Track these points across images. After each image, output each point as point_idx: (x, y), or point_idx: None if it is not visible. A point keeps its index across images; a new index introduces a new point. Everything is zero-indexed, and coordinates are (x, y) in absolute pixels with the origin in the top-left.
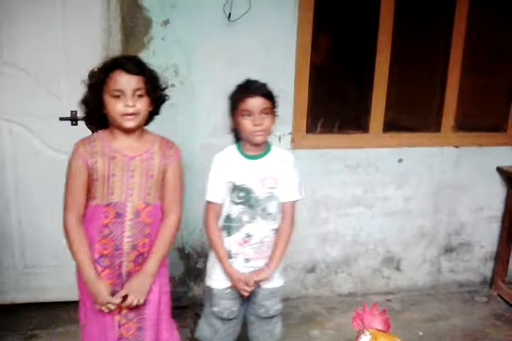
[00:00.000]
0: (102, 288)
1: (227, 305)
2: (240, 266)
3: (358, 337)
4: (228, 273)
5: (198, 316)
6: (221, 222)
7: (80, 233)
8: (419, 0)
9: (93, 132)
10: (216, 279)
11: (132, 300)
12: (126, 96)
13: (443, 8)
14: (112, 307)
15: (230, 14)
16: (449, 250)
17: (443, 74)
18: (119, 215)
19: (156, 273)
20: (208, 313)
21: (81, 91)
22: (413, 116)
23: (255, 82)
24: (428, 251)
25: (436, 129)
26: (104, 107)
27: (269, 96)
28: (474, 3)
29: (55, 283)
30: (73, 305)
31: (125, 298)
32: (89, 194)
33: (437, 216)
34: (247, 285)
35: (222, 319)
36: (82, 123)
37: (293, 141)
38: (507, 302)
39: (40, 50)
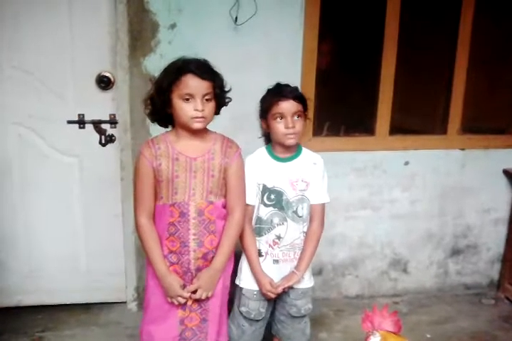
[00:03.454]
0: (173, 282)
1: (255, 306)
2: (268, 267)
3: (366, 338)
4: (257, 279)
5: None
6: (252, 224)
7: (151, 231)
8: (425, 4)
9: (101, 136)
10: (246, 280)
11: (201, 294)
12: (195, 100)
13: (449, 12)
14: (182, 300)
15: (236, 18)
16: (456, 252)
17: (449, 77)
18: (183, 214)
19: (223, 269)
20: (236, 313)
21: (89, 94)
22: (419, 118)
23: (287, 85)
24: (435, 254)
25: (443, 132)
26: (170, 107)
27: (301, 99)
28: (480, 6)
29: (61, 286)
30: (80, 307)
31: (194, 292)
32: (155, 194)
33: (444, 218)
34: (275, 291)
35: (250, 319)
36: (89, 126)
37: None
38: None
39: (48, 53)
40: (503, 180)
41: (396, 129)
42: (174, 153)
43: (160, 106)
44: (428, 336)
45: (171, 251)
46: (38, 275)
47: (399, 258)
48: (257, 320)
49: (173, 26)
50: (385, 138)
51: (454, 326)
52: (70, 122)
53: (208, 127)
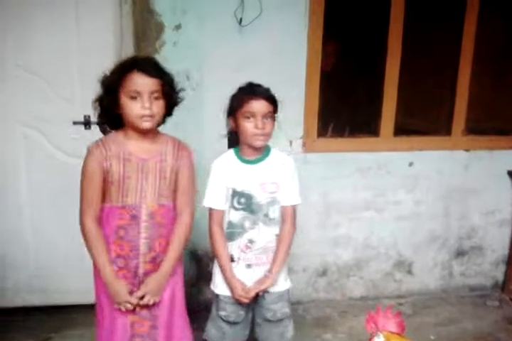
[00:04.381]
0: (120, 288)
1: (233, 309)
2: (241, 272)
3: (370, 339)
4: (229, 285)
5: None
6: (223, 229)
7: (97, 234)
8: (429, 4)
9: (105, 134)
10: (220, 286)
11: (149, 300)
12: (143, 98)
13: (453, 13)
14: (130, 306)
15: (241, 19)
16: (460, 254)
17: (453, 78)
18: (134, 217)
19: (171, 273)
20: (215, 316)
21: (94, 95)
22: (423, 120)
23: (259, 85)
24: (439, 255)
25: (447, 133)
26: (118, 107)
27: (272, 100)
28: (484, 7)
29: (69, 286)
30: (86, 308)
31: (142, 297)
32: (103, 196)
33: (448, 219)
34: (247, 295)
35: (229, 322)
36: (95, 127)
37: (304, 145)
38: None
39: (54, 54)
40: (508, 182)
41: (400, 130)
42: (125, 154)
43: (108, 107)
44: (432, 337)
45: (118, 255)
46: (45, 275)
47: (403, 259)
48: (237, 323)
49: (178, 27)
50: (389, 139)
51: (458, 327)
52: (75, 123)
53: (212, 124)
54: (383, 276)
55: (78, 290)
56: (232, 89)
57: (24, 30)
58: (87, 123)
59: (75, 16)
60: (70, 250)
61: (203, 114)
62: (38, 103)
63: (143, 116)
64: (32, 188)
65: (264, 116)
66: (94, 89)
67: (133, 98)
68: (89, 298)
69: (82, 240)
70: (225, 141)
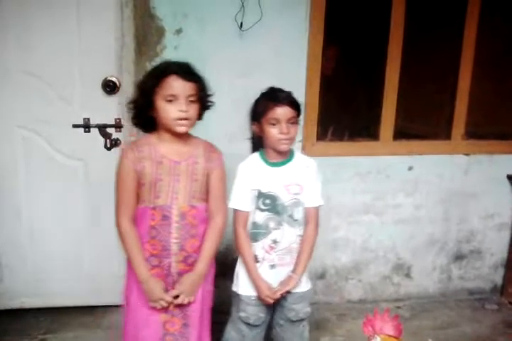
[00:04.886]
0: (155, 285)
1: (254, 311)
2: (265, 272)
3: None
4: (255, 285)
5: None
6: (248, 229)
7: (133, 234)
8: (429, 9)
9: (106, 139)
10: (243, 286)
11: (183, 299)
12: (179, 102)
13: (453, 17)
14: (165, 304)
15: (241, 23)
16: (459, 257)
17: (453, 82)
18: (165, 218)
19: (205, 273)
20: (235, 318)
21: (94, 98)
22: (423, 124)
23: (282, 90)
24: (438, 259)
25: (447, 137)
26: (153, 110)
27: (296, 105)
28: (485, 11)
29: (65, 289)
30: (83, 310)
31: (176, 297)
32: (137, 197)
33: (447, 223)
34: (273, 296)
35: (249, 325)
36: (94, 130)
37: (303, 148)
38: None
39: (55, 57)
40: (507, 186)
41: (400, 134)
42: (158, 156)
43: (143, 109)
44: None
45: (152, 255)
46: (41, 277)
47: (402, 262)
48: (257, 325)
49: (179, 31)
50: (389, 143)
51: (456, 331)
52: (75, 126)
53: (215, 126)
54: (382, 279)
55: (74, 292)
56: (233, 93)
57: (25, 32)
58: (86, 127)
59: (76, 18)
60: (67, 253)
61: (204, 118)
62: (38, 106)
63: (179, 118)
64: (31, 190)
65: (289, 121)
66: (95, 93)
67: (169, 101)
68: (85, 301)
69: (79, 243)
70: (230, 143)
